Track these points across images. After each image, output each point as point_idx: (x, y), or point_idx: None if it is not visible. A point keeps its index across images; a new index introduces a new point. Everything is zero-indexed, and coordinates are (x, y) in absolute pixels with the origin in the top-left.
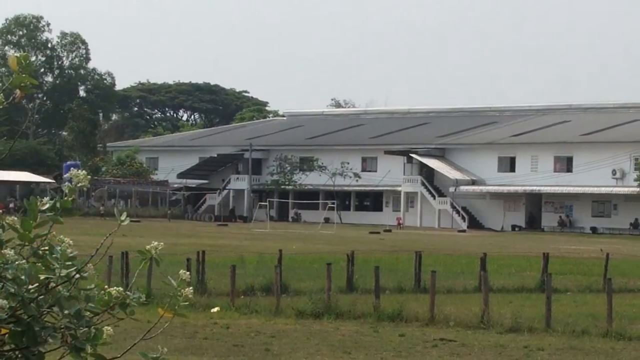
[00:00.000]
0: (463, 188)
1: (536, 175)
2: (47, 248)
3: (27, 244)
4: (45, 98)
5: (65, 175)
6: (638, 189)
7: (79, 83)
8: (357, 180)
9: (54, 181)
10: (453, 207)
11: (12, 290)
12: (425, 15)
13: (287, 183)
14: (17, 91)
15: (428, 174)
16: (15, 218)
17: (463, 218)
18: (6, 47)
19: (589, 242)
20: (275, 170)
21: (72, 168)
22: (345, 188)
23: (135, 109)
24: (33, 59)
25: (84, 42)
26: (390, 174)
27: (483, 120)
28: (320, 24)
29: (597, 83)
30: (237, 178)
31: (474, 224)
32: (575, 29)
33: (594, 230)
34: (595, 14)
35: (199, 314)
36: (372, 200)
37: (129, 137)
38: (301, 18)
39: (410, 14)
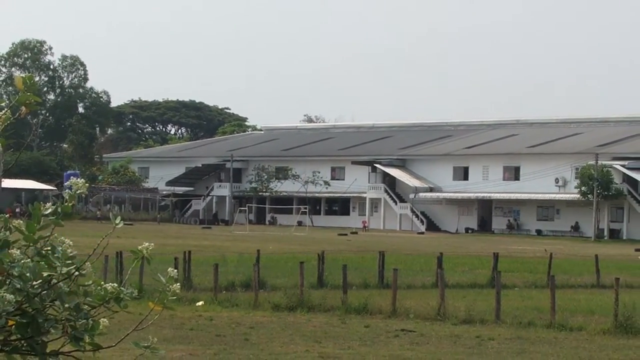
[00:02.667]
0: (422, 194)
1: (487, 183)
2: (49, 248)
3: (31, 244)
4: (47, 114)
5: (65, 183)
6: (578, 196)
7: (78, 101)
8: (327, 188)
9: (55, 188)
10: (413, 211)
11: (18, 286)
12: (388, 40)
13: (264, 190)
14: (23, 108)
15: (390, 182)
16: (21, 221)
17: (422, 221)
18: (13, 69)
19: (534, 243)
20: (253, 178)
21: (71, 177)
22: (317, 194)
23: (129, 123)
24: (37, 79)
25: (82, 64)
26: (357, 182)
27: (440, 134)
28: (294, 48)
29: (542, 100)
30: (220, 185)
31: (432, 226)
32: (522, 53)
33: (539, 232)
34: (538, 39)
35: (186, 307)
36: (340, 206)
37: (122, 149)
38: (277, 43)
39: (374, 39)
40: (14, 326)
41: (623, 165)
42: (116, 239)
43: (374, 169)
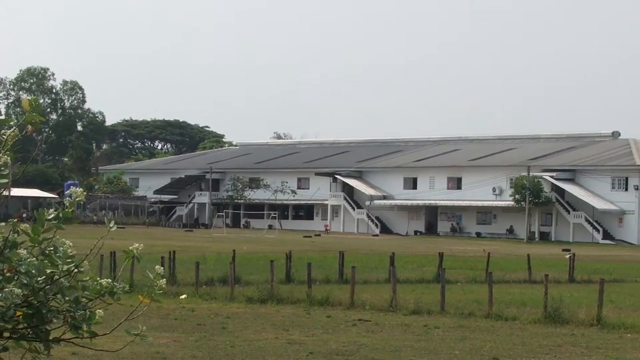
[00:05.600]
0: (376, 202)
1: (433, 191)
2: (52, 248)
3: (36, 245)
4: (50, 132)
5: (66, 192)
6: (513, 203)
7: (77, 120)
8: (293, 196)
9: (57, 196)
10: (368, 216)
11: (25, 281)
12: (346, 67)
13: (239, 198)
14: (29, 126)
15: (349, 190)
16: (27, 225)
17: (376, 225)
18: (20, 92)
19: (474, 244)
20: (230, 188)
21: (71, 186)
22: (285, 202)
23: (121, 140)
24: (41, 101)
25: (81, 88)
26: (320, 191)
27: (392, 148)
28: (265, 74)
29: (481, 119)
30: (200, 194)
31: (385, 230)
32: (464, 77)
33: (478, 234)
34: (478, 66)
35: (171, 300)
36: (305, 211)
37: (116, 162)
38: (250, 70)
39: (334, 66)
40: (21, 316)
41: (552, 176)
42: (110, 240)
43: (335, 180)
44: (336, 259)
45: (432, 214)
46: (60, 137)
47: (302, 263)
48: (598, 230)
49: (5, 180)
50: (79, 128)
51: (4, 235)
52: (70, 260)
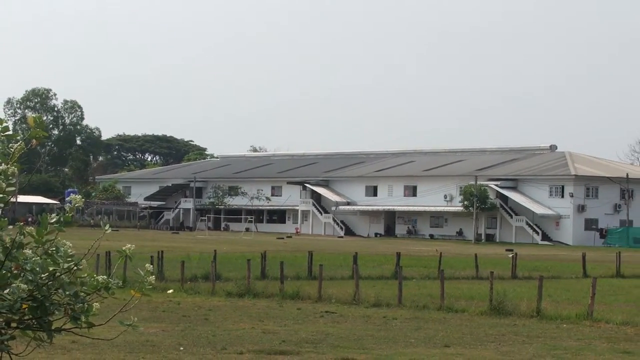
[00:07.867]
0: (341, 207)
1: (392, 198)
2: (54, 248)
3: (40, 245)
4: (52, 145)
5: (66, 199)
6: (462, 208)
7: (76, 135)
8: (268, 202)
9: (58, 202)
10: (334, 220)
11: (30, 277)
12: (314, 87)
13: (219, 204)
14: (33, 141)
15: (317, 197)
16: (32, 228)
17: (341, 228)
18: (26, 110)
19: (428, 245)
20: (211, 195)
21: (71, 194)
22: (260, 207)
23: (115, 152)
24: (44, 118)
25: (79, 107)
26: (291, 197)
27: (355, 160)
28: (244, 94)
29: (434, 134)
30: (185, 200)
31: (349, 232)
32: (419, 96)
33: (431, 236)
34: (431, 87)
35: (159, 294)
36: (278, 216)
37: (110, 172)
38: (229, 90)
39: (304, 86)
40: (26, 309)
41: (496, 185)
42: (105, 241)
43: (305, 188)
44: (306, 258)
45: (390, 218)
46: (61, 150)
47: (275, 262)
48: (537, 233)
49: (13, 188)
50: (78, 142)
51: (11, 237)
52: (70, 259)
